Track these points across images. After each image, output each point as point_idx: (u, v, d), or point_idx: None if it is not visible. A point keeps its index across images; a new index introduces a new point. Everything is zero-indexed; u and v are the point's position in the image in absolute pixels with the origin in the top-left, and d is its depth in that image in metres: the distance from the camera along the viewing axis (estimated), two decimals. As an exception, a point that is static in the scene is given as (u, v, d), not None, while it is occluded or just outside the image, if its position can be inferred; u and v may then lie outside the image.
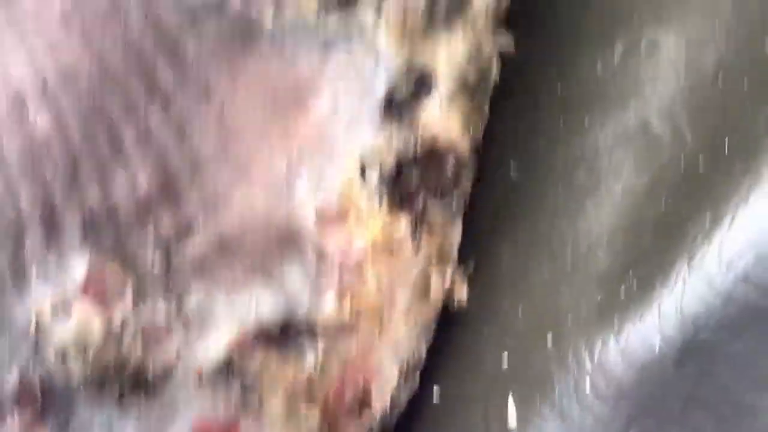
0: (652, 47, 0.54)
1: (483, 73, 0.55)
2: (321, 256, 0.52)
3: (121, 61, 0.50)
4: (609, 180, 0.53)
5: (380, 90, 0.52)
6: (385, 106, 0.52)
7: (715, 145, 0.50)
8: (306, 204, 0.52)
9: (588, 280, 0.52)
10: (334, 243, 0.52)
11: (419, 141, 0.53)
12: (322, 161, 0.51)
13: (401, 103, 0.52)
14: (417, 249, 0.53)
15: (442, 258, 0.54)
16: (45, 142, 0.49)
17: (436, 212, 0.54)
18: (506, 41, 0.54)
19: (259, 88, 0.51)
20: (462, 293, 0.55)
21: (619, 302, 0.50)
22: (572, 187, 0.54)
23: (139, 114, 0.50)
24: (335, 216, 0.52)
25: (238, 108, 0.51)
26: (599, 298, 0.51)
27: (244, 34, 0.51)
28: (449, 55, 0.53)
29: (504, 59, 0.59)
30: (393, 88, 0.52)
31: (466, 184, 0.55)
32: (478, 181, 0.57)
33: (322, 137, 0.52)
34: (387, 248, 0.52)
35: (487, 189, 0.58)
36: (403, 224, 0.53)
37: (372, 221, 0.52)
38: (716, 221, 0.48)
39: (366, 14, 0.51)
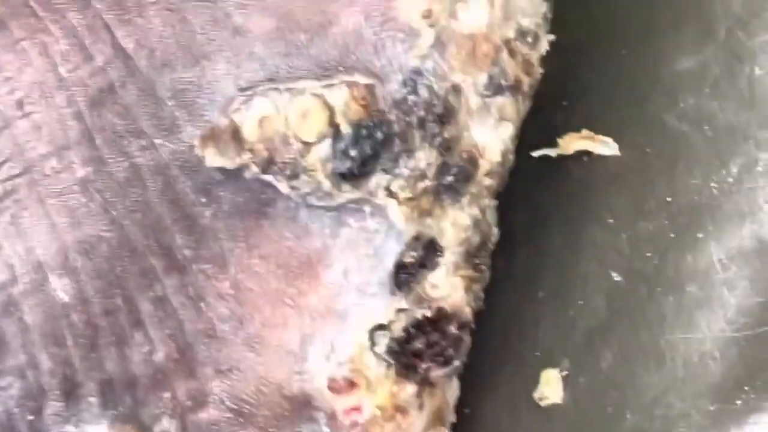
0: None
1: (485, 237, 0.55)
2: (332, 419, 0.52)
3: (139, 230, 0.52)
4: (723, 294, 0.53)
5: (390, 261, 0.52)
6: (394, 276, 0.53)
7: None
8: (318, 372, 0.52)
9: (700, 390, 0.53)
10: (344, 407, 0.52)
11: (426, 308, 0.53)
12: (333, 330, 0.52)
13: (409, 272, 0.53)
14: (420, 408, 0.54)
15: (439, 416, 0.55)
16: (65, 312, 0.51)
17: (438, 375, 0.54)
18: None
19: (273, 257, 0.52)
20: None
21: (735, 411, 0.51)
22: (683, 297, 0.55)
23: (156, 283, 0.52)
24: (346, 384, 0.52)
25: (253, 277, 0.52)
26: (713, 408, 0.52)
27: (260, 203, 0.52)
28: (455, 225, 0.53)
29: (607, 172, 0.60)
30: (402, 259, 0.53)
31: (467, 345, 0.55)
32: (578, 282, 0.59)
33: (332, 307, 0.52)
34: (394, 411, 0.53)
35: (588, 290, 0.58)
36: (408, 389, 0.53)
37: (380, 388, 0.52)
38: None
39: (377, 190, 0.52)
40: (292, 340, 0.52)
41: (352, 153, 0.51)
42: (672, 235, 0.56)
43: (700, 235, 0.54)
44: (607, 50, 0.61)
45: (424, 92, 0.52)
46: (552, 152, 0.60)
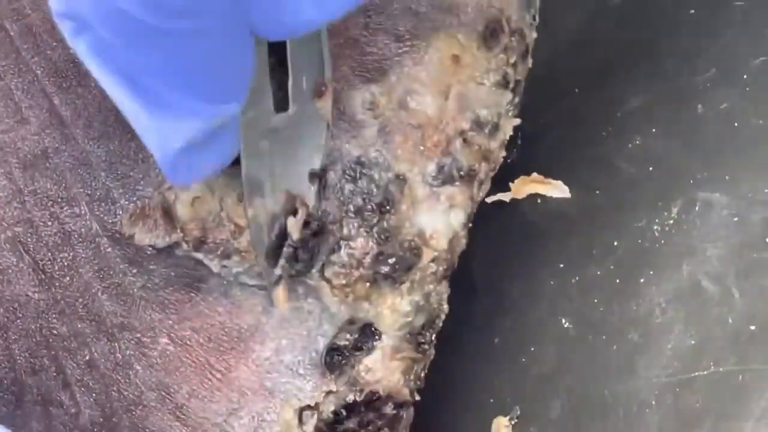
0: (706, 206, 0.54)
1: (431, 318, 0.54)
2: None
3: (68, 294, 0.53)
4: (660, 339, 0.53)
5: (323, 341, 0.52)
6: (326, 356, 0.52)
7: (765, 303, 0.51)
8: (243, 449, 0.53)
9: None
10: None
11: (359, 389, 0.53)
12: (261, 406, 0.52)
13: (343, 353, 0.52)
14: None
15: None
16: (-7, 371, 0.53)
17: (373, 456, 0.54)
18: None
19: (204, 330, 0.52)
20: None
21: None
22: (625, 344, 0.54)
23: (84, 347, 0.53)
24: (271, 461, 0.53)
25: (182, 349, 0.52)
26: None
27: (192, 278, 0.52)
28: (394, 311, 0.52)
29: (559, 215, 0.60)
30: (336, 340, 0.52)
31: (405, 423, 0.54)
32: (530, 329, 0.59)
33: (262, 383, 0.52)
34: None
35: (540, 337, 0.58)
36: (338, 471, 0.53)
37: (308, 466, 0.53)
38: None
39: (311, 275, 0.52)
40: (218, 412, 0.52)
41: (302, 256, 0.51)
42: (617, 281, 0.55)
43: (642, 280, 0.54)
44: (561, 89, 0.61)
45: (363, 182, 0.52)
46: (505, 197, 0.60)
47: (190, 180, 0.47)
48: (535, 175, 0.59)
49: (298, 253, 0.51)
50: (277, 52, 0.47)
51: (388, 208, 0.51)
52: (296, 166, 0.50)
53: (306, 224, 0.50)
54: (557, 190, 0.59)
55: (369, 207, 0.51)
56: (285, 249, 0.51)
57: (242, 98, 0.43)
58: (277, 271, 0.50)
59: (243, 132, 0.47)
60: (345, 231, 0.51)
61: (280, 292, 0.51)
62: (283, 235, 0.50)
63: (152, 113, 0.41)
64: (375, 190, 0.51)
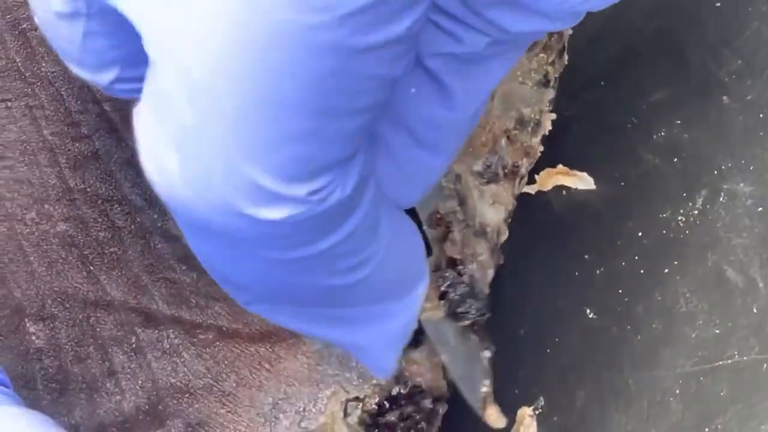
0: (731, 197, 0.54)
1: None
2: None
3: (116, 286, 0.54)
4: (684, 329, 0.53)
5: None
6: None
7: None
8: (287, 438, 0.53)
9: (662, 430, 0.52)
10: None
11: (403, 382, 0.54)
12: (308, 398, 0.53)
13: None
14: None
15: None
16: (37, 356, 0.53)
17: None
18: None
19: (255, 322, 0.53)
20: None
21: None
22: (650, 334, 0.54)
23: (132, 335, 0.54)
24: (315, 452, 0.53)
25: (233, 339, 0.53)
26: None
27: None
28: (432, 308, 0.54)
29: (584, 206, 0.60)
30: None
31: (440, 416, 0.55)
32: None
33: (311, 373, 0.53)
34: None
35: (565, 327, 0.58)
36: (379, 462, 0.54)
37: (350, 457, 0.53)
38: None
39: None
40: (265, 401, 0.53)
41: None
42: (642, 271, 0.55)
43: (666, 271, 0.54)
44: (586, 82, 0.61)
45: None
46: (531, 189, 0.60)
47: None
48: (560, 166, 0.60)
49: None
50: None
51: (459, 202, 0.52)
52: None
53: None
54: (582, 181, 0.59)
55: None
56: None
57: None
58: (483, 389, 0.51)
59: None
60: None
61: (492, 412, 0.52)
62: None
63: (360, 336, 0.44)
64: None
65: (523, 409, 0.57)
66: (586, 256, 0.58)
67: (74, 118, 0.53)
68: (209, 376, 0.52)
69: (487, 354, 0.52)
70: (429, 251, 0.49)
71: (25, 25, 0.52)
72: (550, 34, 0.53)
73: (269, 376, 0.52)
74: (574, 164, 0.60)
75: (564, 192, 0.60)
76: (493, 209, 0.53)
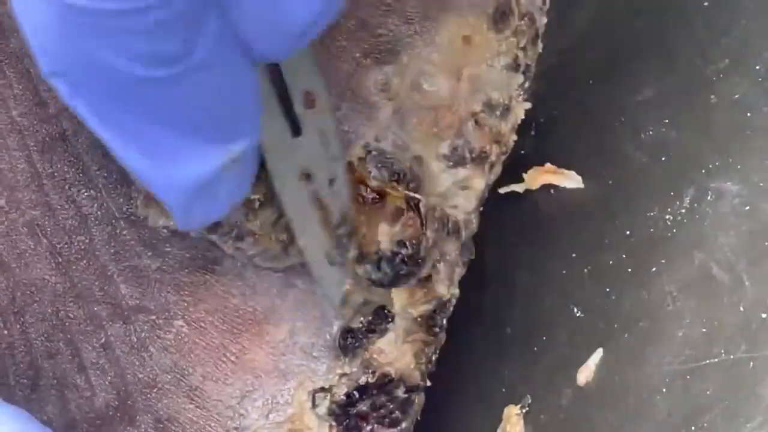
0: (718, 195, 0.54)
1: (442, 303, 0.54)
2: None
3: (84, 277, 0.53)
4: (671, 327, 0.53)
5: (337, 323, 0.52)
6: (340, 338, 0.52)
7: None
8: (257, 430, 0.52)
9: (649, 428, 0.52)
10: (282, 466, 0.53)
11: (372, 372, 0.53)
12: (275, 389, 0.52)
13: (356, 336, 0.53)
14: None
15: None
16: (9, 351, 0.53)
17: (384, 437, 0.54)
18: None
19: (218, 312, 0.52)
20: None
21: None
22: (637, 333, 0.54)
23: (100, 330, 0.53)
24: (285, 442, 0.53)
25: (197, 331, 0.53)
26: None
27: (207, 260, 0.53)
28: (407, 298, 0.53)
29: (571, 204, 0.60)
30: (350, 323, 0.52)
31: (418, 404, 0.55)
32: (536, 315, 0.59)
33: (276, 365, 0.53)
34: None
35: (552, 325, 0.58)
36: (351, 452, 0.53)
37: (321, 450, 0.52)
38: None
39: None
40: (232, 395, 0.52)
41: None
42: (629, 270, 0.55)
43: (653, 269, 0.54)
44: (574, 79, 0.61)
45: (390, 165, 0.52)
46: (519, 188, 0.60)
47: (207, 222, 0.46)
48: (548, 165, 0.60)
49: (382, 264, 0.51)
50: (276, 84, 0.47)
51: (414, 186, 0.51)
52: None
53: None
54: (570, 180, 0.59)
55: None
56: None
57: (253, 134, 0.42)
58: (345, 287, 0.51)
59: (271, 169, 0.47)
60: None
61: (350, 312, 0.52)
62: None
63: (159, 165, 0.40)
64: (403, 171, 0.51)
65: (509, 407, 0.57)
66: (573, 255, 0.58)
67: (42, 96, 0.52)
68: (176, 370, 0.52)
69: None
70: (296, 131, 0.47)
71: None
72: (520, 17, 0.53)
73: (235, 368, 0.52)
74: (561, 163, 0.60)
75: (551, 190, 0.60)
76: (463, 195, 0.52)
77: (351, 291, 0.51)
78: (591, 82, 0.60)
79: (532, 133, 0.60)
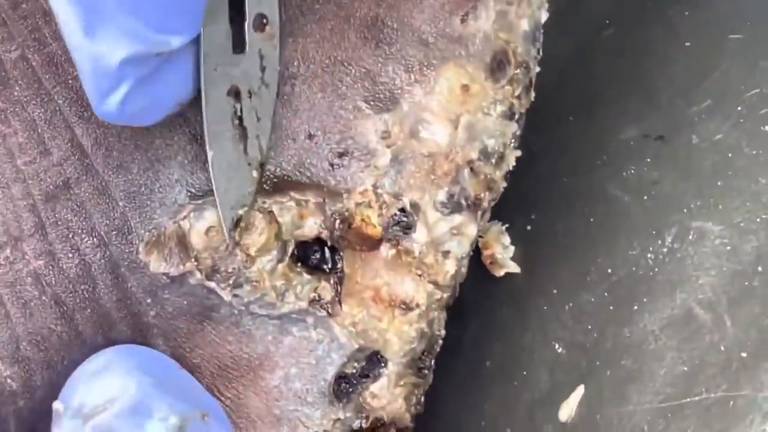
0: (699, 235, 0.55)
1: (431, 343, 0.55)
2: None
3: (88, 325, 0.53)
4: (653, 366, 0.53)
5: (331, 371, 0.53)
6: (334, 384, 0.53)
7: (756, 331, 0.51)
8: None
9: None
10: None
11: (365, 416, 0.53)
12: (270, 433, 0.53)
13: (350, 381, 0.53)
14: None
15: None
16: (12, 399, 0.53)
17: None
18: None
19: (214, 359, 0.53)
20: None
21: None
22: (619, 370, 0.55)
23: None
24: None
25: (192, 373, 0.53)
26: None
27: (203, 307, 0.53)
28: (400, 338, 0.53)
29: (552, 242, 0.61)
30: (344, 369, 0.53)
31: None
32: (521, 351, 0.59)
33: (271, 410, 0.53)
34: None
35: (533, 361, 0.58)
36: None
37: (314, 491, 0.52)
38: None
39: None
40: (228, 442, 0.52)
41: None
42: (611, 308, 0.55)
43: (635, 307, 0.54)
44: (556, 117, 0.61)
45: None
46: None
47: (154, 115, 0.48)
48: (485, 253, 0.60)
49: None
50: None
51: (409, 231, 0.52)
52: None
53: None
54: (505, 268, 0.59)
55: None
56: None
57: (189, 34, 0.45)
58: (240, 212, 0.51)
59: (204, 73, 0.49)
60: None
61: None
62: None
63: (93, 28, 0.42)
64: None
65: (490, 443, 0.57)
66: (555, 291, 0.58)
67: (47, 145, 0.52)
68: (172, 417, 0.52)
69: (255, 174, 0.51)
70: (239, 48, 0.49)
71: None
72: (516, 66, 0.53)
73: (230, 413, 0.52)
74: (542, 200, 0.60)
75: (529, 227, 0.60)
76: (456, 240, 0.53)
77: (245, 217, 0.51)
78: (572, 119, 0.61)
79: (511, 168, 0.60)
